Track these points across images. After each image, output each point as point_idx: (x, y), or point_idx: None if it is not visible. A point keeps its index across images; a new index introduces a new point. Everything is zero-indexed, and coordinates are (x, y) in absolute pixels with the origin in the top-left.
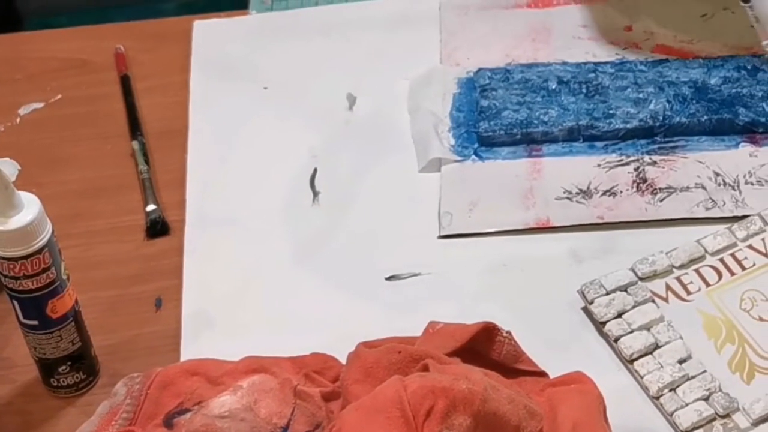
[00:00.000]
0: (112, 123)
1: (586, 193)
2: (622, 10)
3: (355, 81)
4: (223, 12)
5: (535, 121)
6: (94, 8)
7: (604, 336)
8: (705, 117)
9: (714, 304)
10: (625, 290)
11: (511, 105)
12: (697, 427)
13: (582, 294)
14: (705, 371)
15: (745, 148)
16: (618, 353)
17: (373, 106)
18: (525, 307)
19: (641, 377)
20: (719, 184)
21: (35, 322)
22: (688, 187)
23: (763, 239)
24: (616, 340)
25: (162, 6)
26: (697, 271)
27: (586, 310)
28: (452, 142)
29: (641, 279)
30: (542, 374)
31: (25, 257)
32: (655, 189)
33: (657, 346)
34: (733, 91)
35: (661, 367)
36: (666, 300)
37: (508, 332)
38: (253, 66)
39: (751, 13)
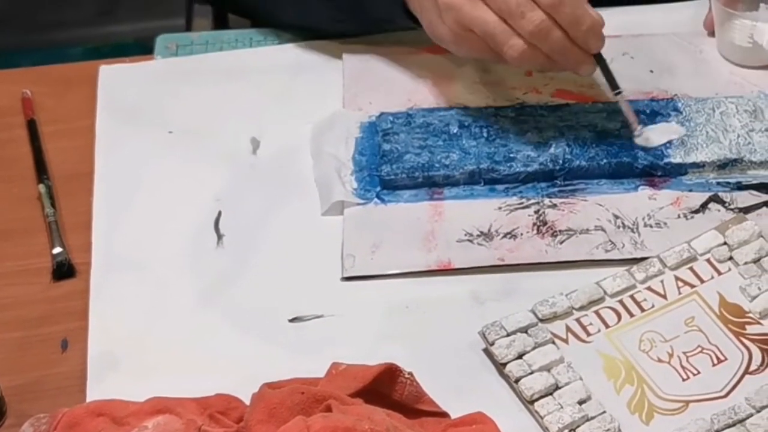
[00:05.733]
0: (18, 166)
1: (487, 236)
2: None
3: (259, 125)
4: (129, 57)
5: (437, 165)
6: (1, 53)
7: (505, 377)
8: (604, 160)
9: (613, 345)
10: (526, 332)
11: (412, 149)
12: None
13: (483, 335)
14: (604, 412)
15: (644, 191)
16: (519, 394)
17: (276, 150)
18: (427, 349)
19: (542, 418)
20: (618, 227)
21: None
22: (587, 230)
23: (662, 281)
24: (517, 381)
25: (68, 51)
26: (596, 312)
27: (487, 351)
28: (355, 185)
29: (541, 320)
30: (444, 415)
31: None
32: (555, 231)
33: (557, 387)
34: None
35: (561, 407)
36: (566, 341)
37: (410, 373)
38: (158, 110)
39: (625, 105)
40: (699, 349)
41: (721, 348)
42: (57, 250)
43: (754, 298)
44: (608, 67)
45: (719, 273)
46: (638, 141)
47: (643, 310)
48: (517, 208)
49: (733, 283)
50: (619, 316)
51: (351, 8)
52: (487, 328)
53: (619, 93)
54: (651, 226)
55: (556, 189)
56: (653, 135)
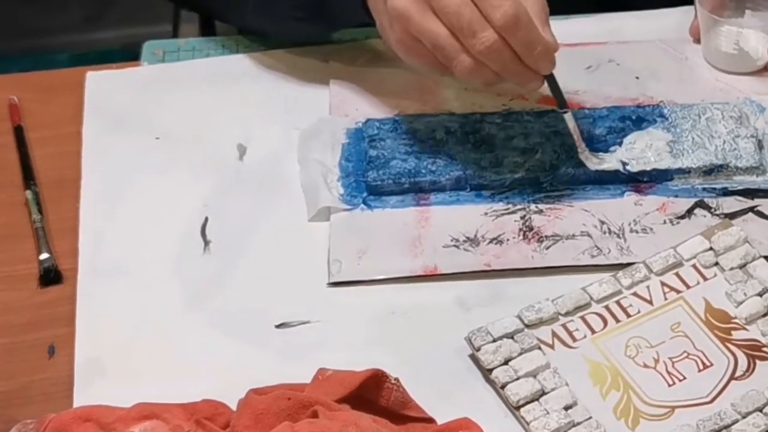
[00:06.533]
0: (5, 173)
1: (473, 241)
2: None
3: (246, 131)
4: (116, 63)
5: (423, 171)
6: None
7: (491, 383)
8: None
9: (599, 350)
10: (512, 337)
11: (399, 155)
12: None
13: (469, 341)
14: (590, 417)
15: (630, 197)
16: (505, 400)
17: (263, 156)
18: (413, 354)
19: (528, 423)
20: (604, 232)
21: None
22: (573, 235)
23: (647, 287)
24: (503, 386)
25: (55, 57)
26: (582, 318)
27: (473, 357)
28: (341, 191)
29: (527, 326)
30: (430, 421)
31: None
32: (541, 237)
33: (543, 393)
34: (618, 140)
35: (547, 413)
36: (552, 347)
37: (396, 379)
38: (145, 116)
39: (572, 123)
40: (685, 354)
41: (707, 354)
42: (44, 255)
43: (740, 303)
44: (557, 86)
45: (705, 279)
46: (588, 163)
47: (629, 315)
48: (503, 214)
49: (719, 289)
50: (605, 322)
51: (313, 7)
52: (473, 333)
53: (566, 112)
54: (637, 232)
55: (542, 195)
56: (602, 157)
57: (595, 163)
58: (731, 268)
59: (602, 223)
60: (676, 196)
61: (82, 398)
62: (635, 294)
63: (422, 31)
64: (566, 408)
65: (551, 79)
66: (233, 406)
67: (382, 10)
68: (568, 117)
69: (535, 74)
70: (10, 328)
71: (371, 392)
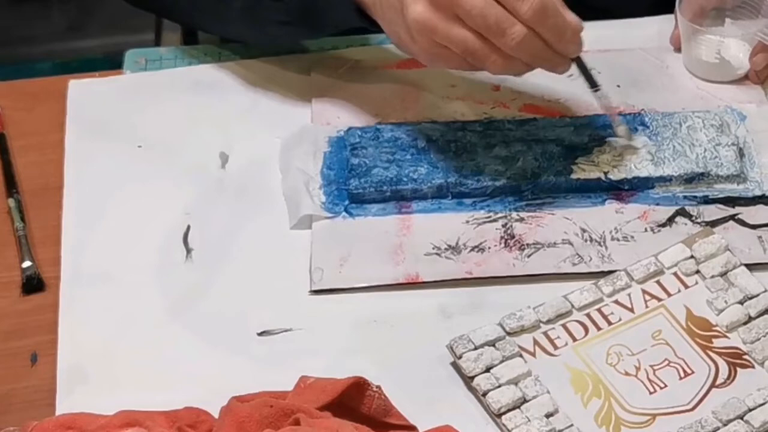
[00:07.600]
0: None
1: (454, 249)
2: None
3: (228, 139)
4: (98, 72)
5: (405, 179)
6: None
7: (473, 390)
8: (572, 174)
9: (581, 358)
10: (493, 345)
11: (381, 163)
12: None
13: (451, 349)
14: (572, 425)
15: (611, 205)
16: (486, 407)
17: (245, 164)
18: (394, 362)
19: (509, 431)
20: (586, 240)
21: None
22: (555, 243)
23: (629, 294)
24: (485, 394)
25: (37, 66)
26: (564, 326)
27: (454, 364)
28: (323, 199)
29: (509, 334)
30: (412, 428)
31: None
32: (523, 245)
33: (524, 401)
34: (600, 148)
35: (529, 421)
36: (533, 355)
37: (378, 387)
38: (127, 124)
39: (604, 101)
40: (666, 362)
41: (688, 361)
42: (26, 263)
43: (721, 311)
44: (585, 66)
45: (686, 286)
46: (619, 132)
47: (610, 323)
48: (484, 222)
49: (699, 297)
50: (587, 330)
51: (301, 10)
52: (454, 341)
53: (598, 90)
54: (618, 240)
55: (523, 203)
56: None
57: (631, 139)
58: (712, 276)
59: (583, 231)
60: (658, 204)
61: (64, 406)
62: (616, 302)
63: (450, 39)
64: (547, 416)
65: (579, 61)
66: (215, 414)
67: (399, 22)
68: (600, 95)
69: (564, 58)
70: None
71: (353, 400)
